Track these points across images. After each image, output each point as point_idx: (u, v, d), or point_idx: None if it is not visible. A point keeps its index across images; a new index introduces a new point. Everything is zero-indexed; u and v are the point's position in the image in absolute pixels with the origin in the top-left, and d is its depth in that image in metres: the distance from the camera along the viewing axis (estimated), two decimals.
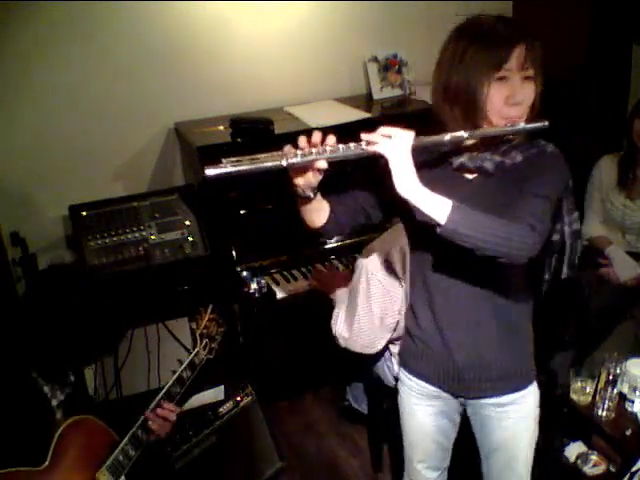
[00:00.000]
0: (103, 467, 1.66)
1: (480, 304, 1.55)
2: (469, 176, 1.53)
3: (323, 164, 1.38)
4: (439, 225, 1.32)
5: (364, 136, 1.37)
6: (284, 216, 2.74)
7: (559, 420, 2.41)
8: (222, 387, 2.47)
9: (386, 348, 2.31)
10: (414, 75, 3.16)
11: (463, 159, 1.50)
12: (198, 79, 2.89)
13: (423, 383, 1.70)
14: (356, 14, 3.10)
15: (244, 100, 2.95)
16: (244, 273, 2.59)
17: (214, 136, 2.69)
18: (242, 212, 2.68)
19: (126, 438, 1.72)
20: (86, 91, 2.72)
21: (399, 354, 1.83)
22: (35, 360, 1.68)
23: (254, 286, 2.53)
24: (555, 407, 2.38)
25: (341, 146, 1.37)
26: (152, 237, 2.56)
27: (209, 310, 1.96)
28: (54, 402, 1.71)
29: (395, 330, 2.16)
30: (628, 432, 2.13)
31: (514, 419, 1.66)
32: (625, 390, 2.21)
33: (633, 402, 2.20)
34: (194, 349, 1.92)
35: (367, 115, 2.84)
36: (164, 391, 1.83)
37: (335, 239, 2.74)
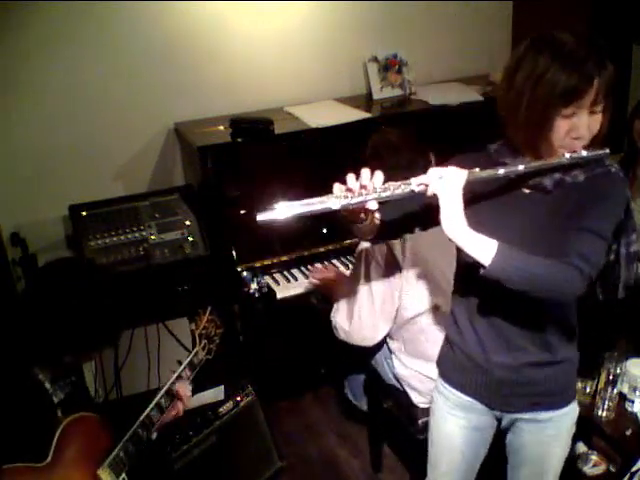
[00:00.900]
0: (104, 464, 1.67)
1: (525, 331, 1.52)
2: (526, 190, 1.49)
3: (373, 205, 1.35)
4: (483, 267, 1.33)
5: (415, 179, 1.36)
6: None
7: None
8: (222, 387, 2.47)
9: (385, 343, 2.31)
10: (414, 75, 3.16)
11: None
12: (198, 79, 2.89)
13: (459, 393, 1.67)
14: (356, 14, 3.09)
15: (244, 100, 2.95)
16: (244, 273, 2.59)
17: (214, 136, 2.69)
18: (242, 212, 2.68)
19: (127, 435, 1.73)
20: (86, 91, 2.72)
21: (437, 363, 1.78)
22: (36, 358, 1.68)
23: (254, 286, 2.53)
24: None
25: (392, 185, 1.35)
26: (152, 237, 2.55)
27: (208, 311, 1.98)
28: (55, 400, 1.72)
29: (395, 322, 2.17)
30: (628, 432, 2.13)
31: (550, 436, 1.63)
32: (625, 390, 2.21)
33: (633, 402, 2.20)
34: (193, 349, 1.93)
35: (367, 115, 2.84)
36: (163, 391, 1.84)
37: (335, 239, 2.75)
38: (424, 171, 2.25)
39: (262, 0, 2.89)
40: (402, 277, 2.08)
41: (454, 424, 1.71)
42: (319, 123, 2.73)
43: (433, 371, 2.17)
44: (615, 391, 2.17)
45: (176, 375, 1.87)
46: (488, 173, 1.39)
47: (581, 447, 2.43)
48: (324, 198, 1.31)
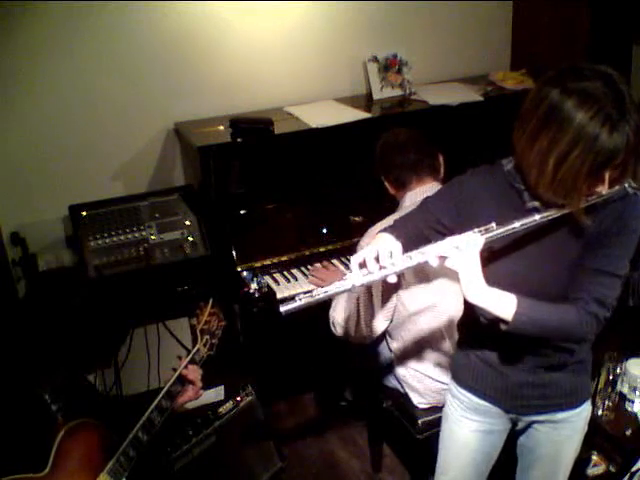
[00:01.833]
0: (104, 471, 1.66)
1: (542, 341, 1.50)
2: (537, 216, 1.42)
3: (393, 278, 1.35)
4: (505, 322, 1.36)
5: (432, 250, 1.35)
6: (284, 216, 2.75)
7: None
8: (222, 387, 2.47)
9: (385, 343, 2.31)
10: (414, 75, 3.16)
11: (537, 204, 1.40)
12: (198, 79, 2.89)
13: (474, 397, 1.66)
14: (356, 14, 3.09)
15: (244, 100, 2.95)
16: (244, 273, 2.59)
17: (214, 136, 2.69)
18: (242, 212, 2.68)
19: (128, 439, 1.71)
20: (86, 91, 2.72)
21: (451, 367, 1.78)
22: (35, 362, 1.67)
23: (254, 286, 2.53)
24: None
25: (411, 257, 1.34)
26: (152, 237, 2.56)
27: (210, 304, 1.94)
28: (54, 407, 1.70)
29: (393, 319, 2.17)
30: (628, 432, 2.13)
31: (565, 436, 1.64)
32: (625, 390, 2.22)
33: (633, 402, 2.20)
34: (195, 346, 1.90)
35: (367, 115, 2.84)
36: (164, 392, 1.82)
37: (335, 239, 2.75)
38: (430, 171, 2.25)
39: (262, 0, 2.89)
40: (401, 274, 2.08)
41: (468, 428, 1.70)
42: (319, 123, 2.73)
43: (432, 371, 2.17)
44: (615, 391, 2.17)
45: (177, 373, 1.85)
46: (504, 229, 1.35)
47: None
48: (343, 282, 1.33)
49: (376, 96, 3.14)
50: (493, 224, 1.36)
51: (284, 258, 2.69)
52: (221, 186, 2.68)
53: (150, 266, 2.47)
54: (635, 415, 2.18)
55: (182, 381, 1.85)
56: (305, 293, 1.33)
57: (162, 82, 2.83)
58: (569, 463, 1.71)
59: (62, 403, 1.72)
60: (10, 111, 2.63)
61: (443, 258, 1.35)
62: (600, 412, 2.20)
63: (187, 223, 2.62)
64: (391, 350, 2.28)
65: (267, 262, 2.67)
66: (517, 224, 1.35)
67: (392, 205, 2.23)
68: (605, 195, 1.32)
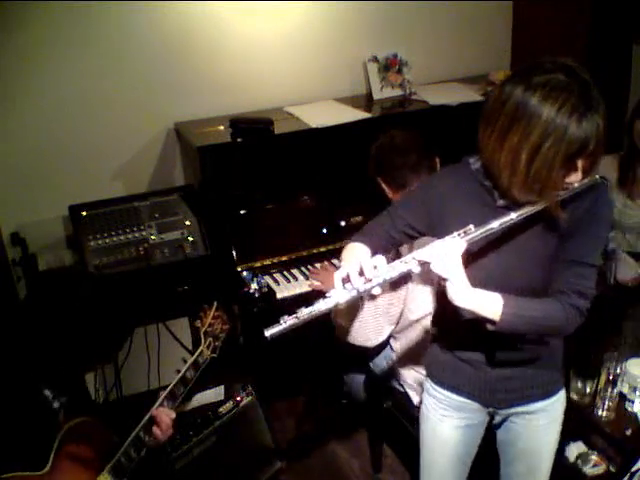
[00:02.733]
0: (105, 470, 1.66)
1: (521, 336, 1.52)
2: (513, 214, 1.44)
3: (377, 290, 1.35)
4: (493, 323, 1.37)
5: (415, 257, 1.35)
6: (284, 216, 2.75)
7: None
8: (222, 387, 2.47)
9: (387, 344, 2.31)
10: (414, 75, 3.16)
11: (507, 202, 1.41)
12: (198, 79, 2.89)
13: (453, 395, 1.67)
14: (356, 14, 3.10)
15: (244, 100, 2.95)
16: (244, 273, 2.59)
17: (214, 136, 2.69)
18: (242, 212, 2.68)
19: (128, 440, 1.71)
20: (86, 91, 2.72)
21: (426, 365, 1.79)
22: (36, 362, 1.67)
23: (254, 286, 2.53)
24: None
25: (393, 268, 1.34)
26: (152, 237, 2.56)
27: (214, 307, 1.94)
28: (55, 405, 1.70)
29: (398, 324, 2.17)
30: (628, 432, 2.13)
31: (542, 425, 1.66)
32: (625, 390, 2.21)
33: (633, 402, 2.20)
34: (198, 348, 1.90)
35: (367, 115, 2.84)
36: (168, 390, 1.82)
37: (335, 240, 2.75)
38: (429, 173, 2.26)
39: (262, 0, 2.89)
40: (409, 280, 2.08)
41: (448, 425, 1.71)
42: (319, 123, 2.73)
43: None
44: (615, 391, 2.17)
45: (180, 375, 1.85)
46: (483, 231, 1.36)
47: (581, 447, 2.43)
48: (327, 300, 1.32)
49: (376, 96, 3.14)
50: (471, 226, 1.36)
51: (284, 258, 2.69)
52: (221, 186, 2.68)
53: (150, 266, 2.47)
54: (635, 415, 2.18)
55: (185, 383, 1.85)
56: (290, 315, 1.31)
57: (162, 82, 2.83)
58: (550, 455, 1.72)
59: (63, 401, 1.72)
60: (10, 111, 2.63)
61: (426, 265, 1.35)
62: (600, 412, 2.19)
63: (187, 223, 2.62)
64: (393, 349, 2.28)
65: (267, 262, 2.67)
66: (495, 224, 1.35)
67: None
68: (577, 187, 1.34)
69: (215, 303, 1.94)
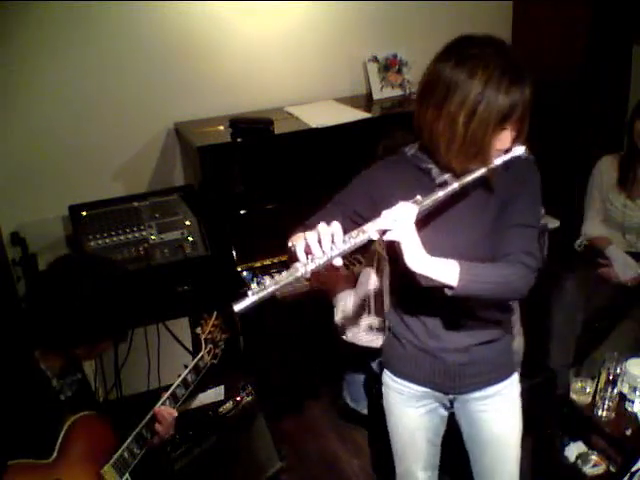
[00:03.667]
0: (109, 463, 1.67)
1: (466, 308, 1.57)
2: (455, 184, 1.53)
3: (339, 261, 1.36)
4: (450, 288, 1.39)
5: (371, 226, 1.36)
6: (284, 216, 2.75)
7: (559, 420, 2.41)
8: (222, 387, 2.47)
9: None
10: (414, 75, 3.16)
11: (446, 177, 1.50)
12: (198, 79, 2.89)
13: (413, 385, 1.72)
14: (356, 14, 3.09)
15: (244, 100, 2.95)
16: (244, 273, 2.59)
17: (214, 136, 2.69)
18: (242, 212, 2.68)
19: (131, 436, 1.73)
20: (86, 91, 2.72)
21: (383, 358, 1.83)
22: (44, 345, 1.68)
23: (254, 286, 2.53)
24: (555, 407, 2.38)
25: (351, 237, 1.35)
26: (152, 237, 2.56)
27: (214, 316, 1.98)
28: (62, 397, 1.71)
29: None
30: (628, 432, 2.13)
31: (500, 410, 1.70)
32: (625, 390, 2.22)
33: (633, 402, 2.20)
34: (199, 354, 1.93)
35: (367, 115, 2.84)
36: (170, 392, 1.84)
37: None
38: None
39: (262, 0, 2.89)
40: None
41: (411, 415, 1.76)
42: (319, 123, 2.73)
43: None
44: (615, 391, 2.17)
45: (181, 378, 1.87)
46: (431, 199, 1.41)
47: (581, 447, 2.43)
48: (292, 270, 1.33)
49: (376, 96, 3.14)
50: (418, 196, 1.40)
51: (284, 258, 2.68)
52: (221, 186, 2.68)
53: (150, 266, 2.47)
54: (635, 415, 2.18)
55: (186, 386, 1.87)
56: (257, 286, 1.32)
57: (162, 82, 2.83)
58: (515, 442, 1.75)
59: (69, 395, 1.73)
60: (10, 111, 2.63)
61: (383, 232, 1.37)
62: (600, 412, 2.20)
63: (187, 223, 2.62)
64: None
65: (267, 262, 2.67)
66: (441, 193, 1.41)
67: None
68: (509, 157, 1.44)
69: (215, 313, 1.98)
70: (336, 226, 1.34)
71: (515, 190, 1.49)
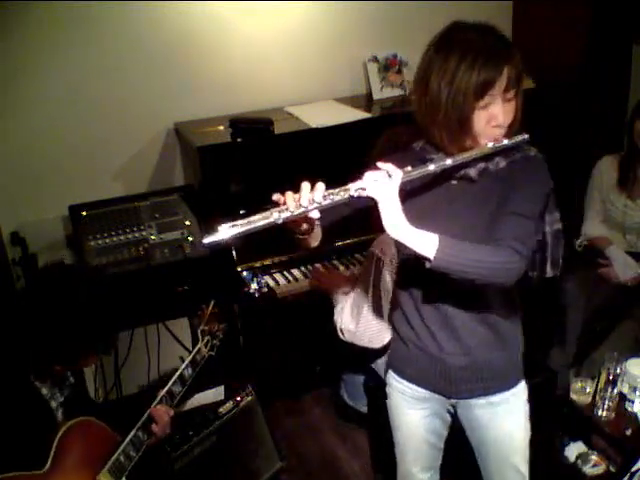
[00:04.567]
0: (104, 469, 1.66)
1: (472, 315, 1.57)
2: (454, 182, 1.55)
3: (315, 214, 1.37)
4: (429, 261, 1.36)
5: (353, 184, 1.36)
6: None
7: (559, 420, 2.41)
8: (222, 387, 2.47)
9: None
10: (414, 75, 3.16)
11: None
12: (198, 79, 2.89)
13: (415, 386, 1.72)
14: (356, 14, 3.09)
15: (244, 100, 2.95)
16: (244, 273, 2.59)
17: (214, 136, 2.69)
18: (242, 212, 2.68)
19: (127, 439, 1.71)
20: (86, 91, 2.72)
21: (389, 358, 1.83)
22: (33, 361, 1.67)
23: (254, 286, 2.53)
24: (555, 407, 2.38)
25: (331, 193, 1.35)
26: (152, 237, 2.56)
27: (211, 306, 1.95)
28: (53, 404, 1.70)
29: None
30: (628, 432, 2.13)
31: (505, 418, 1.68)
32: (625, 390, 2.22)
33: (633, 402, 2.20)
34: (196, 346, 1.91)
35: (367, 115, 2.84)
36: (166, 389, 1.83)
37: (335, 239, 2.74)
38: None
39: (262, 0, 2.89)
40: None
41: (414, 417, 1.76)
42: (319, 123, 2.73)
43: None
44: (615, 391, 2.18)
45: (178, 373, 1.85)
46: (419, 171, 1.41)
47: (581, 447, 2.43)
48: (267, 213, 1.34)
49: (376, 96, 3.14)
50: (409, 167, 1.40)
51: (284, 258, 2.69)
52: (221, 186, 2.68)
53: (150, 266, 2.47)
54: (635, 415, 2.18)
55: (183, 382, 1.86)
56: (228, 225, 1.32)
57: (162, 82, 2.83)
58: (522, 445, 1.72)
59: (61, 401, 1.72)
60: (10, 111, 2.63)
61: (363, 190, 1.36)
62: (600, 412, 2.20)
63: (187, 223, 2.62)
64: None
65: (267, 262, 2.67)
66: (432, 167, 1.42)
67: None
68: (507, 143, 1.46)
69: (212, 302, 1.95)
70: (319, 184, 1.35)
71: (519, 184, 1.48)
